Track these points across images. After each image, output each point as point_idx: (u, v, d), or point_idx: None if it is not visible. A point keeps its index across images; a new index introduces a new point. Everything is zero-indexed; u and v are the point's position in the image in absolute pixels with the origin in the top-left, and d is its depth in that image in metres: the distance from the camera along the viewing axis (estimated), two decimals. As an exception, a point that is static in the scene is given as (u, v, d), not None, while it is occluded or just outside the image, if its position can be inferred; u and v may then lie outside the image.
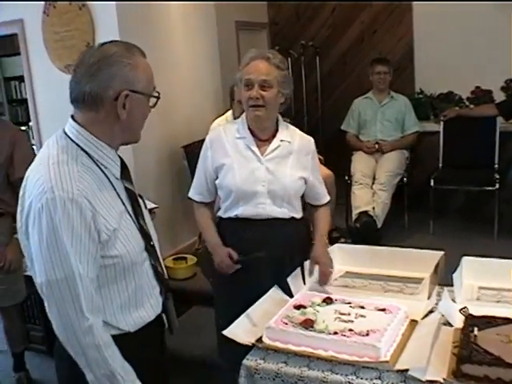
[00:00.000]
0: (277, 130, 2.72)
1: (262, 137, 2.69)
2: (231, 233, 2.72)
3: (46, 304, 1.68)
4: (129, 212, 1.81)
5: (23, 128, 8.81)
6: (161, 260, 1.95)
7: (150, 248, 1.86)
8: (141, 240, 1.82)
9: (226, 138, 2.71)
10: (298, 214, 2.75)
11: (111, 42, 1.80)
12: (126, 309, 1.79)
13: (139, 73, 1.75)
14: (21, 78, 8.87)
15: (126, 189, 1.85)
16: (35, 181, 1.68)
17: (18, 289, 3.72)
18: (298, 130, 2.81)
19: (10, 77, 9.29)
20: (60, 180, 1.64)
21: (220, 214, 2.79)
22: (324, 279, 2.60)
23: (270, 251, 2.59)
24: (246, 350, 2.07)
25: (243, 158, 2.66)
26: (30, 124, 7.89)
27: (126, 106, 1.73)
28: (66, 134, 1.77)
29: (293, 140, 2.72)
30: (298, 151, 2.71)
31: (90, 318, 1.63)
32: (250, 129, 2.69)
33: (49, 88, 4.93)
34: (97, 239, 1.66)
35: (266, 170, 2.64)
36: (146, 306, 1.85)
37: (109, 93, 1.71)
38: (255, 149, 2.66)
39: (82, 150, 1.74)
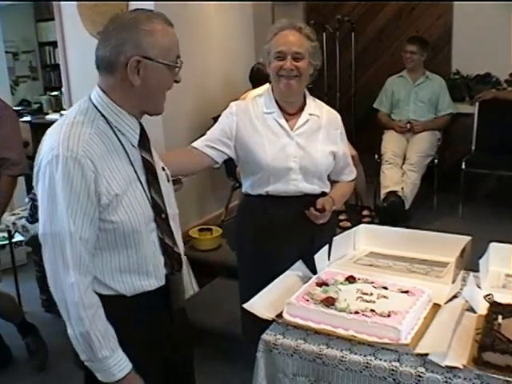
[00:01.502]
0: (305, 104, 2.68)
1: (290, 111, 2.65)
2: (262, 210, 2.68)
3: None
4: (140, 181, 1.83)
5: (55, 93, 8.90)
6: (175, 233, 1.95)
7: (159, 220, 1.87)
8: (150, 211, 1.83)
9: (254, 112, 2.66)
10: (328, 189, 2.74)
11: (136, 9, 1.81)
12: (126, 273, 1.81)
13: (154, 39, 1.74)
14: (55, 44, 8.94)
15: (143, 158, 1.86)
16: (48, 139, 1.74)
17: None
18: (324, 104, 2.77)
19: (44, 42, 9.36)
20: (68, 139, 1.68)
21: (247, 189, 2.75)
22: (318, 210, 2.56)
23: (301, 228, 2.58)
24: (267, 325, 2.06)
25: (273, 133, 2.61)
26: (62, 89, 7.98)
27: (139, 72, 1.73)
28: (90, 98, 1.81)
29: (321, 114, 2.68)
30: (326, 125, 2.68)
31: (74, 275, 1.67)
32: (277, 102, 2.65)
33: (81, 54, 4.93)
34: (95, 201, 1.69)
35: (297, 146, 2.61)
36: (149, 275, 1.86)
37: (120, 58, 1.72)
38: (284, 123, 2.62)
39: (102, 114, 1.77)
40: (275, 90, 2.65)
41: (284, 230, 2.63)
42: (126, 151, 1.80)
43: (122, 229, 1.75)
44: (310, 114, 2.65)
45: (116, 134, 1.78)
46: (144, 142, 1.88)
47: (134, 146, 1.84)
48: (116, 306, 1.79)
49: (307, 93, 2.73)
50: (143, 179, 1.84)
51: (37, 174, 1.74)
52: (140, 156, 1.86)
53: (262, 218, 2.66)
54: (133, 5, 4.46)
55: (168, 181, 2.00)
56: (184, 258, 2.05)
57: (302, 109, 2.67)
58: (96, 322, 1.70)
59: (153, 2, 4.36)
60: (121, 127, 1.79)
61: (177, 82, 1.84)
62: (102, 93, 1.79)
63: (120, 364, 1.75)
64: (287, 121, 2.63)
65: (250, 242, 2.75)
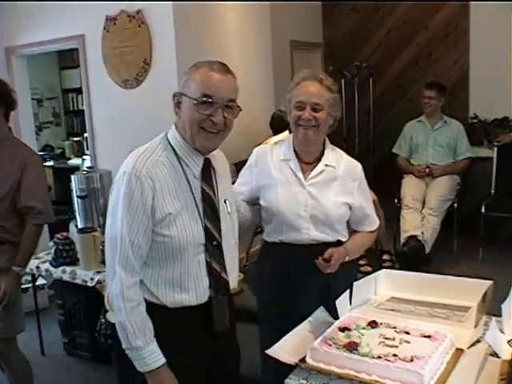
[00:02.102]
0: (322, 154, 2.67)
1: (307, 160, 2.65)
2: (277, 258, 2.68)
3: None
4: (198, 208, 2.07)
5: (77, 138, 9.05)
6: (227, 261, 2.16)
7: (210, 246, 2.09)
8: (201, 236, 2.07)
9: (272, 159, 2.68)
10: (344, 238, 2.71)
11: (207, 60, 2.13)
12: (169, 286, 2.05)
13: (192, 79, 2.05)
14: (78, 90, 9.13)
15: (202, 189, 2.11)
16: (126, 160, 2.05)
17: (13, 321, 3.36)
18: (344, 154, 2.74)
19: (68, 88, 9.56)
20: (136, 162, 2.00)
21: (264, 237, 2.77)
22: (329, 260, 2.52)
23: (317, 276, 2.56)
24: (288, 370, 2.07)
25: (286, 180, 2.62)
26: (85, 135, 8.12)
27: (180, 106, 2.07)
28: (167, 132, 2.14)
29: (338, 165, 2.66)
30: (343, 176, 2.65)
31: (120, 272, 1.97)
32: (295, 151, 2.66)
33: (105, 101, 5.07)
34: (150, 214, 1.98)
35: (309, 195, 2.60)
36: (190, 291, 2.07)
37: (174, 94, 2.10)
38: (299, 173, 2.63)
39: (172, 147, 2.09)
40: (294, 138, 2.66)
41: (300, 278, 2.62)
42: (187, 180, 2.07)
43: (171, 244, 2.01)
44: (326, 165, 2.63)
45: (181, 165, 2.07)
46: (206, 175, 2.13)
47: (195, 177, 2.09)
48: (159, 315, 2.04)
49: (327, 142, 2.72)
50: (200, 207, 2.08)
51: (111, 187, 2.11)
52: (200, 187, 2.10)
53: (278, 266, 2.66)
54: (156, 53, 4.59)
55: (229, 213, 2.20)
56: None
57: (319, 158, 2.66)
58: (134, 315, 1.97)
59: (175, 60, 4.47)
60: (185, 159, 2.08)
61: (213, 122, 2.03)
62: (174, 127, 2.13)
63: (153, 356, 1.99)
64: (303, 170, 2.63)
65: (268, 288, 2.75)
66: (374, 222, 2.84)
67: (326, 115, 2.57)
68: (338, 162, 2.67)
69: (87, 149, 7.74)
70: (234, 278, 2.22)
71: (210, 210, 2.11)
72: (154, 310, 2.04)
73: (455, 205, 5.74)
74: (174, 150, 2.08)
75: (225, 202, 2.21)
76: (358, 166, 2.73)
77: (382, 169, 6.92)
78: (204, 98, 2.01)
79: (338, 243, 2.67)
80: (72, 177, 4.76)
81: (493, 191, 5.91)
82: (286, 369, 2.07)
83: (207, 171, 2.14)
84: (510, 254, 5.59)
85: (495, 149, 5.95)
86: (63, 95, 9.69)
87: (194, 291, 2.07)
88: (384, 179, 5.74)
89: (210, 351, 2.16)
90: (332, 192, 2.62)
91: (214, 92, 2.02)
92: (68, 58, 9.17)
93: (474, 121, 6.58)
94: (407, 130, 6.12)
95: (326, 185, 2.62)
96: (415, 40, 7.28)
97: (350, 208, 2.68)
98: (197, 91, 2.01)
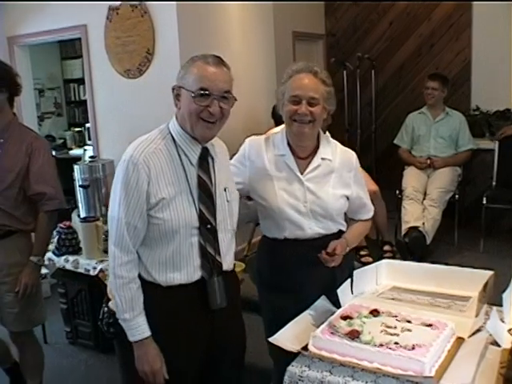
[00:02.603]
0: (317, 147, 2.62)
1: (303, 155, 2.60)
2: (280, 254, 2.65)
3: None
4: (192, 194, 2.20)
5: (78, 129, 9.06)
6: (221, 245, 2.28)
7: (203, 230, 2.21)
8: (194, 219, 2.19)
9: (267, 154, 2.63)
10: (344, 227, 2.71)
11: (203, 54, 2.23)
12: (163, 265, 2.20)
13: (189, 73, 2.16)
14: (79, 81, 9.13)
15: (198, 176, 2.23)
16: (127, 149, 2.18)
17: (33, 313, 3.40)
18: (339, 144, 2.71)
19: (69, 79, 9.54)
20: (134, 149, 2.15)
21: (264, 232, 2.73)
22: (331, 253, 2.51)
23: (322, 269, 2.54)
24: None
25: (283, 178, 2.58)
26: (87, 125, 8.12)
27: (178, 97, 2.20)
28: (169, 122, 2.26)
29: (334, 157, 2.62)
30: (339, 168, 2.62)
31: (113, 249, 2.16)
32: (289, 145, 2.60)
33: (108, 91, 5.07)
34: (145, 198, 2.12)
35: (307, 190, 2.57)
36: (181, 270, 2.20)
37: (173, 87, 2.22)
38: (295, 168, 2.58)
39: (172, 136, 2.22)
40: (288, 133, 2.60)
41: (305, 272, 2.61)
42: (183, 167, 2.20)
43: (164, 226, 2.15)
44: (323, 159, 2.59)
45: (179, 153, 2.20)
46: (203, 163, 2.25)
47: (192, 164, 2.22)
48: (155, 294, 2.20)
49: (321, 134, 2.67)
50: (195, 193, 2.21)
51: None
52: (196, 174, 2.22)
53: (283, 262, 2.65)
54: (159, 42, 4.60)
55: (227, 201, 2.32)
56: None
57: (314, 152, 2.61)
58: (124, 291, 2.15)
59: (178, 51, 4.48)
60: (183, 148, 2.21)
61: (210, 112, 2.15)
62: (175, 117, 2.25)
63: (139, 329, 2.16)
64: (298, 165, 2.59)
65: (271, 283, 2.73)
66: (370, 210, 2.83)
67: (322, 109, 2.52)
68: (334, 154, 2.63)
69: (89, 139, 7.77)
70: (228, 260, 2.34)
71: (206, 195, 2.23)
72: (151, 288, 2.20)
73: (456, 196, 5.75)
74: (173, 138, 2.22)
75: (225, 190, 2.32)
76: (353, 156, 2.71)
77: (383, 160, 6.93)
78: (201, 92, 2.12)
79: (339, 233, 2.68)
80: (75, 167, 4.78)
81: (494, 183, 5.92)
82: (289, 356, 2.09)
83: (204, 159, 2.25)
84: (511, 245, 5.61)
85: (497, 141, 5.95)
86: (65, 85, 9.67)
87: (185, 269, 2.20)
88: (385, 170, 5.76)
89: (208, 330, 2.29)
90: (330, 185, 2.60)
91: (209, 85, 2.13)
92: (70, 49, 9.17)
93: (476, 113, 6.59)
94: (409, 121, 6.11)
95: (323, 178, 2.60)
96: (417, 31, 7.27)
97: (348, 199, 2.67)
98: (194, 85, 2.13)
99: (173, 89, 2.22)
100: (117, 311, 2.19)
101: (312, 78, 2.50)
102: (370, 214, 2.84)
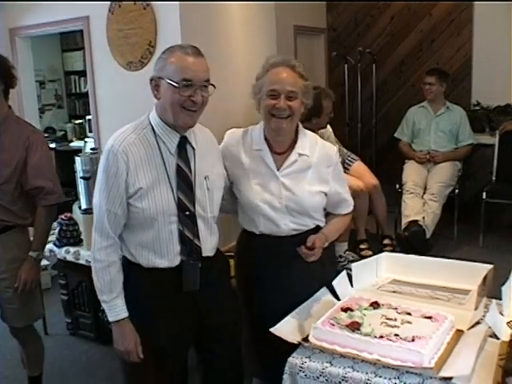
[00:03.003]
0: (295, 142, 2.59)
1: (280, 149, 2.57)
2: (256, 249, 2.64)
3: None
4: (170, 183, 2.26)
5: (79, 121, 9.06)
6: (201, 230, 2.35)
7: (182, 216, 2.29)
8: (172, 207, 2.26)
9: (244, 147, 2.61)
10: (322, 223, 2.68)
11: (179, 44, 2.29)
12: (144, 249, 2.29)
13: (169, 63, 2.19)
14: (80, 73, 9.13)
15: (177, 165, 2.29)
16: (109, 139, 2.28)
17: (33, 308, 3.38)
18: (319, 139, 2.67)
19: (70, 71, 9.54)
20: (114, 140, 2.24)
21: (242, 224, 2.71)
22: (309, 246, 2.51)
23: (300, 264, 2.54)
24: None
25: (259, 172, 2.56)
26: (87, 117, 8.12)
27: (158, 88, 2.24)
28: (150, 112, 2.33)
29: (312, 152, 2.58)
30: (317, 164, 2.58)
31: (94, 234, 2.28)
32: (266, 139, 2.58)
33: (109, 83, 5.06)
34: (123, 187, 2.20)
35: (283, 186, 2.54)
36: (162, 256, 2.29)
37: (152, 78, 2.26)
38: (271, 163, 2.55)
39: (151, 126, 2.29)
40: (266, 127, 2.57)
41: (283, 268, 2.58)
42: (162, 156, 2.26)
43: (142, 214, 2.24)
44: (300, 154, 2.56)
45: (158, 142, 2.27)
46: (182, 151, 2.31)
47: (171, 153, 2.28)
48: (136, 273, 2.31)
49: (300, 128, 2.63)
50: (173, 181, 2.27)
51: None
52: (175, 163, 2.28)
53: (257, 255, 2.63)
54: (161, 35, 4.60)
55: (208, 189, 2.36)
56: None
57: (292, 147, 2.58)
58: (103, 274, 2.27)
59: (180, 41, 4.48)
60: (162, 137, 2.27)
61: (193, 102, 2.21)
62: (154, 108, 2.32)
63: (116, 310, 2.28)
64: (275, 160, 2.56)
65: (250, 278, 2.72)
66: (349, 205, 2.79)
67: (300, 103, 2.50)
68: (312, 149, 2.59)
69: (89, 131, 7.77)
70: (209, 246, 2.41)
71: (184, 184, 2.30)
72: (134, 269, 2.32)
73: (456, 191, 5.76)
74: (153, 129, 2.29)
75: (205, 178, 2.36)
76: (333, 151, 2.66)
77: (383, 154, 6.94)
78: (184, 82, 2.17)
79: (317, 229, 2.65)
80: (76, 158, 4.78)
81: (494, 178, 5.94)
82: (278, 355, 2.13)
83: (183, 148, 2.32)
84: (510, 240, 5.62)
85: (497, 136, 5.96)
86: (65, 77, 9.68)
87: (166, 256, 2.30)
88: (386, 164, 5.77)
89: (192, 311, 2.38)
90: (306, 181, 2.57)
91: (192, 76, 2.18)
92: (70, 40, 9.16)
93: (477, 108, 6.59)
94: (410, 115, 6.13)
95: (299, 174, 2.56)
96: (419, 27, 7.26)
97: (326, 195, 2.63)
98: (176, 75, 2.17)
99: (151, 80, 2.25)
100: (97, 293, 2.30)
101: (290, 72, 2.48)
102: (350, 209, 2.80)
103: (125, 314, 2.29)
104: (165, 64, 2.21)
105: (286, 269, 2.57)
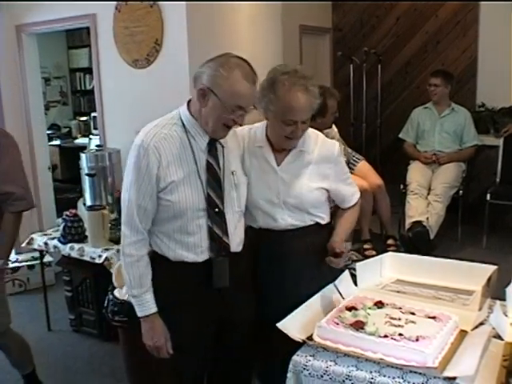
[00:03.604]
0: None
1: (280, 148, 2.56)
2: (254, 243, 2.59)
3: None
4: (201, 178, 2.30)
5: (84, 118, 9.09)
6: (229, 226, 2.37)
7: (212, 212, 2.32)
8: (202, 203, 2.30)
9: (248, 143, 2.59)
10: (323, 220, 2.65)
11: (232, 55, 2.29)
12: (172, 242, 2.33)
13: (225, 83, 2.18)
14: (85, 70, 9.17)
15: (207, 161, 2.32)
16: (139, 133, 2.30)
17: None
18: (321, 135, 2.65)
19: (75, 68, 9.58)
20: (146, 135, 2.26)
21: (246, 221, 2.65)
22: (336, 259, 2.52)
23: (294, 260, 2.55)
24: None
25: (259, 168, 2.55)
26: (92, 114, 8.14)
27: (205, 98, 2.22)
28: (180, 108, 2.35)
29: (313, 149, 2.57)
30: (318, 161, 2.57)
31: (125, 229, 2.30)
32: (267, 136, 2.56)
33: (115, 80, 5.09)
34: (155, 182, 2.24)
35: (282, 181, 2.53)
36: (189, 250, 2.32)
37: (198, 82, 2.25)
38: (271, 159, 2.55)
39: (182, 121, 2.31)
40: (275, 136, 2.53)
41: (280, 262, 2.57)
42: (193, 152, 2.30)
43: (172, 207, 2.26)
44: (301, 151, 2.55)
45: (189, 139, 2.29)
46: (211, 149, 2.34)
47: (201, 150, 2.31)
48: (164, 267, 2.34)
49: None
50: (204, 177, 2.31)
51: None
52: (205, 159, 2.32)
53: (257, 251, 2.60)
54: (168, 33, 4.61)
55: (235, 184, 2.40)
56: None
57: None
58: (132, 268, 2.29)
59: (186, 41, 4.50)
60: (193, 134, 2.30)
61: (237, 123, 2.28)
62: (186, 105, 2.34)
63: (146, 305, 2.30)
64: (276, 156, 2.55)
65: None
66: (356, 196, 2.76)
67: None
68: (314, 146, 2.58)
69: (94, 128, 7.81)
70: (237, 242, 2.42)
71: (213, 179, 2.33)
72: (160, 261, 2.35)
73: (460, 192, 5.77)
74: (183, 125, 2.31)
75: (232, 173, 2.41)
76: (334, 147, 2.63)
77: (388, 155, 6.94)
78: (236, 108, 2.22)
79: (316, 225, 2.63)
80: (81, 155, 4.81)
81: (498, 179, 5.93)
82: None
83: (213, 145, 2.35)
84: (514, 241, 5.64)
85: (502, 138, 5.96)
86: (71, 75, 9.71)
87: (193, 250, 2.32)
88: (390, 165, 5.77)
89: (216, 307, 2.38)
90: (306, 177, 2.55)
91: (245, 104, 2.23)
92: (76, 38, 9.20)
93: (481, 109, 6.59)
94: (414, 116, 6.13)
95: (299, 170, 2.56)
96: (424, 28, 7.27)
97: (327, 191, 2.62)
98: (231, 99, 2.20)
99: (200, 89, 2.22)
100: (126, 287, 2.34)
101: (305, 97, 2.39)
102: (357, 197, 2.77)
103: (154, 308, 2.31)
104: (220, 78, 2.19)
105: (284, 264, 2.56)
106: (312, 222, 2.61)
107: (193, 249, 2.32)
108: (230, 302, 2.41)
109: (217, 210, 2.33)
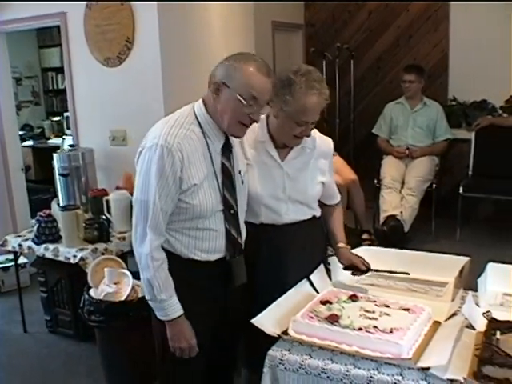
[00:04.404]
0: None
1: (282, 144, 2.58)
2: (254, 239, 2.58)
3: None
4: (217, 180, 2.27)
5: (57, 118, 9.01)
6: (241, 227, 2.39)
7: (228, 214, 2.32)
8: (219, 204, 2.28)
9: (246, 138, 2.54)
10: (318, 213, 2.73)
11: (253, 55, 2.29)
12: (186, 237, 2.27)
13: (238, 74, 2.15)
14: (57, 70, 9.08)
15: (222, 163, 2.30)
16: (154, 130, 2.23)
17: None
18: (316, 132, 2.67)
19: (47, 67, 9.49)
20: (167, 134, 2.16)
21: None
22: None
23: (294, 254, 2.59)
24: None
25: (263, 163, 2.57)
26: (65, 114, 8.08)
27: (219, 93, 2.18)
28: (194, 106, 2.29)
29: (313, 145, 2.62)
30: (318, 156, 2.64)
31: (150, 234, 2.18)
32: (269, 132, 2.57)
33: (87, 79, 5.05)
34: (178, 184, 2.17)
35: (287, 176, 2.57)
36: (204, 251, 2.29)
37: (213, 77, 2.20)
38: (275, 154, 2.57)
39: (198, 121, 2.25)
40: (283, 135, 2.53)
41: (282, 257, 2.60)
42: (210, 154, 2.25)
43: (192, 210, 2.22)
44: (303, 147, 2.59)
45: (206, 139, 2.24)
46: (226, 150, 2.32)
47: (217, 152, 2.28)
48: (177, 265, 2.26)
49: None
50: (220, 179, 2.28)
51: (139, 153, 2.23)
52: (220, 161, 2.29)
53: (255, 248, 2.60)
54: (139, 31, 4.59)
55: (242, 183, 2.39)
56: None
57: None
58: (159, 272, 2.20)
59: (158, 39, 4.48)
60: (210, 134, 2.25)
61: (253, 120, 2.21)
62: (202, 103, 2.27)
63: (174, 308, 2.22)
64: (279, 152, 2.58)
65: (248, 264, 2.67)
66: (338, 193, 2.89)
67: None
68: (313, 142, 2.63)
69: (67, 128, 7.74)
70: (244, 241, 2.43)
71: (228, 181, 2.31)
72: (173, 259, 2.26)
73: (434, 185, 5.83)
74: (199, 124, 2.25)
75: (240, 172, 2.39)
76: (330, 143, 2.73)
77: (361, 150, 6.99)
78: (252, 101, 2.15)
79: (313, 219, 2.69)
80: (54, 155, 4.77)
81: (470, 172, 6.01)
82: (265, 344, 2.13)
83: (227, 147, 2.32)
84: (486, 233, 5.71)
85: (473, 131, 6.03)
86: (42, 74, 9.61)
87: (208, 249, 2.30)
88: (364, 160, 5.81)
89: (222, 305, 2.40)
90: (309, 172, 2.62)
91: (261, 96, 2.17)
92: (47, 37, 9.11)
93: (453, 103, 6.66)
94: (387, 111, 6.17)
95: (302, 165, 2.61)
96: (396, 23, 7.32)
97: (324, 185, 2.70)
98: (246, 91, 2.14)
99: (214, 82, 2.18)
100: (152, 294, 2.22)
101: (320, 100, 2.43)
102: (339, 197, 2.89)
103: (181, 310, 2.25)
104: (235, 72, 2.15)
105: (284, 257, 2.60)
106: (310, 216, 2.68)
107: (207, 248, 2.30)
108: (235, 301, 2.44)
109: (232, 211, 2.33)
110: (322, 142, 2.69)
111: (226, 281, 2.36)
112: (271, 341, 2.14)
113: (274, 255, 2.60)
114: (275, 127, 2.54)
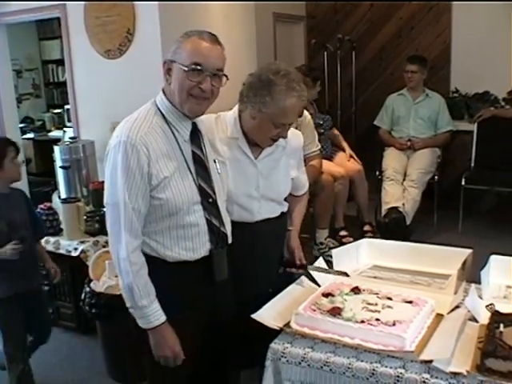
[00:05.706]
0: None
1: (255, 142, 2.55)
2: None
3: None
4: (190, 170, 2.18)
5: (57, 110, 8.98)
6: (222, 216, 2.29)
7: (206, 204, 2.22)
8: (196, 195, 2.18)
9: (218, 133, 2.53)
10: (286, 208, 2.72)
11: (199, 30, 2.19)
12: (168, 239, 2.16)
13: (183, 47, 2.10)
14: (58, 62, 9.04)
15: (193, 152, 2.22)
16: (117, 129, 2.14)
17: None
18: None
19: (47, 60, 9.45)
20: (129, 131, 2.08)
21: None
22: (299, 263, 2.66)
23: (265, 249, 2.58)
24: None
25: (236, 160, 2.52)
26: (66, 107, 8.05)
27: (170, 72, 2.13)
28: (155, 99, 2.21)
29: (285, 141, 2.59)
30: (289, 152, 2.64)
31: (125, 237, 2.07)
32: (242, 128, 2.54)
33: (88, 71, 5.04)
34: (147, 180, 2.07)
35: (260, 175, 2.55)
36: (189, 249, 2.18)
37: (164, 61, 2.15)
38: (249, 152, 2.53)
39: (161, 112, 2.17)
40: (259, 135, 2.51)
41: (255, 254, 2.58)
42: (178, 144, 2.16)
43: (167, 204, 2.11)
44: (276, 145, 2.56)
45: (171, 129, 2.16)
46: (195, 138, 2.24)
47: (185, 140, 2.19)
48: (159, 269, 2.15)
49: None
50: (193, 169, 2.19)
51: (106, 155, 2.14)
52: (190, 149, 2.21)
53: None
54: (139, 22, 4.57)
55: (218, 173, 2.32)
56: None
57: None
58: (139, 277, 2.08)
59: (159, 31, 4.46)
60: (175, 124, 2.17)
61: (202, 89, 2.10)
62: (163, 93, 2.20)
63: (156, 314, 2.10)
64: (252, 150, 2.55)
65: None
66: (307, 184, 2.88)
67: None
68: (286, 139, 2.58)
69: (68, 121, 7.72)
70: (230, 232, 2.34)
71: (202, 170, 2.23)
72: (155, 263, 2.15)
73: (436, 177, 5.79)
74: (163, 115, 2.17)
75: (214, 161, 2.33)
76: (301, 138, 2.74)
77: (363, 141, 6.94)
78: (194, 66, 2.07)
79: (281, 215, 2.68)
80: (55, 148, 4.76)
81: (472, 164, 5.97)
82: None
83: (195, 134, 2.25)
84: (489, 225, 5.69)
85: (476, 123, 6.00)
86: (43, 66, 9.58)
87: (192, 246, 2.19)
88: (365, 152, 5.77)
89: (210, 303, 2.27)
90: (281, 170, 2.61)
91: (203, 60, 2.08)
92: (48, 29, 9.07)
93: (455, 95, 6.63)
94: (389, 103, 6.14)
95: (275, 163, 2.60)
96: (398, 14, 7.28)
97: (292, 180, 2.71)
98: (187, 59, 2.08)
99: (164, 62, 2.15)
100: (132, 300, 2.09)
101: (299, 102, 2.46)
102: (306, 187, 2.88)
103: (164, 316, 2.12)
104: (179, 47, 2.11)
105: (255, 254, 2.57)
106: (279, 213, 2.66)
107: (192, 246, 2.18)
108: (224, 298, 2.32)
109: (210, 200, 2.23)
110: (295, 138, 2.68)
111: (212, 278, 2.25)
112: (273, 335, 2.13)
113: (246, 252, 2.54)
114: (251, 127, 2.50)
